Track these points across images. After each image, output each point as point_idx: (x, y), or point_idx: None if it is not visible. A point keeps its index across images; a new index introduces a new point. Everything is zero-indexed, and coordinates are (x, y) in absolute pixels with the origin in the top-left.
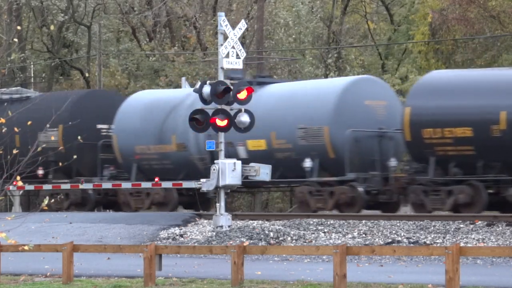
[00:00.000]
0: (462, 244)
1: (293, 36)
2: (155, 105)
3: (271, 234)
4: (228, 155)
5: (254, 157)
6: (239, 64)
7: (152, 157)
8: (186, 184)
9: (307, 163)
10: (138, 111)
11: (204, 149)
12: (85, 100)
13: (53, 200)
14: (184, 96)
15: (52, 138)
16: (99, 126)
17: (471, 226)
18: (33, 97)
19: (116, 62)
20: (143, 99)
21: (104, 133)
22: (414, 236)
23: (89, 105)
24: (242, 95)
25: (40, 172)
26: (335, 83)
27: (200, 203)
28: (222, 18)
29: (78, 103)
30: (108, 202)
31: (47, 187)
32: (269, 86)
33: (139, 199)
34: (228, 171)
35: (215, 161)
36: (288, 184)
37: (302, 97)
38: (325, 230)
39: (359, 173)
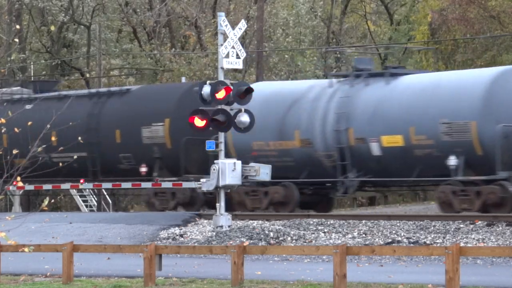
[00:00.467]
0: (462, 244)
1: (290, 36)
2: (274, 98)
3: (271, 234)
4: (359, 152)
5: (389, 154)
6: (239, 64)
7: (272, 153)
8: (186, 184)
9: (452, 160)
10: (255, 104)
11: (332, 145)
12: (192, 92)
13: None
14: (306, 88)
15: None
16: None
17: (471, 226)
18: (133, 90)
19: (117, 63)
20: (261, 92)
21: None
22: (414, 236)
23: (197, 98)
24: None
25: (143, 169)
26: (482, 74)
27: (321, 203)
28: (222, 18)
29: (184, 95)
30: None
31: (47, 187)
32: (403, 77)
33: (256, 199)
34: (228, 171)
35: (215, 161)
36: (427, 183)
37: (445, 89)
38: (325, 230)
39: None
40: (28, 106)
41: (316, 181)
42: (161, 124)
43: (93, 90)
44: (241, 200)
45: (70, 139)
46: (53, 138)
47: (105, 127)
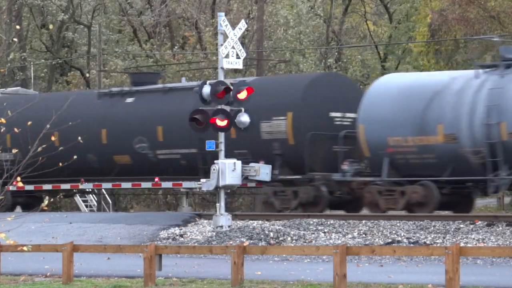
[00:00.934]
0: (462, 244)
1: (288, 35)
2: (412, 90)
3: (271, 234)
4: None
5: None
6: (239, 64)
7: (410, 150)
8: (186, 184)
9: None
10: (391, 97)
11: (481, 141)
12: (317, 84)
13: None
14: (448, 80)
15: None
16: (333, 114)
17: (471, 226)
18: (249, 82)
19: (121, 64)
20: (397, 84)
21: (338, 123)
22: (414, 236)
23: (321, 90)
24: (242, 95)
25: None
26: None
27: (460, 203)
28: (222, 18)
29: (309, 87)
30: (344, 201)
31: (46, 187)
32: None
33: (390, 199)
34: (228, 171)
35: (215, 161)
36: None
37: None
38: (325, 230)
39: None
40: (129, 100)
41: (462, 179)
42: (283, 118)
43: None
44: (373, 200)
45: (178, 135)
46: (159, 133)
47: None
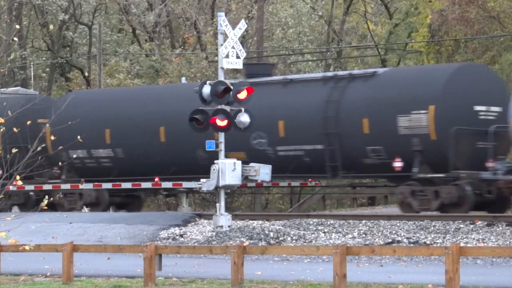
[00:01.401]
0: (462, 244)
1: (289, 36)
2: None
3: (271, 234)
4: None
5: None
6: (239, 64)
7: None
8: (186, 184)
9: None
10: None
11: None
12: (460, 75)
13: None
14: None
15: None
16: (477, 108)
17: (471, 226)
18: (381, 73)
19: (126, 65)
20: None
21: (482, 117)
22: (414, 236)
23: (465, 82)
24: (242, 95)
25: (398, 164)
26: None
27: None
28: (222, 18)
29: (452, 78)
30: (488, 202)
31: (47, 187)
32: None
33: None
34: (228, 171)
35: (215, 161)
36: None
37: None
38: (325, 230)
39: None
40: None
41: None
42: (424, 112)
43: (328, 74)
44: None
45: (302, 130)
46: (280, 128)
47: (348, 115)
